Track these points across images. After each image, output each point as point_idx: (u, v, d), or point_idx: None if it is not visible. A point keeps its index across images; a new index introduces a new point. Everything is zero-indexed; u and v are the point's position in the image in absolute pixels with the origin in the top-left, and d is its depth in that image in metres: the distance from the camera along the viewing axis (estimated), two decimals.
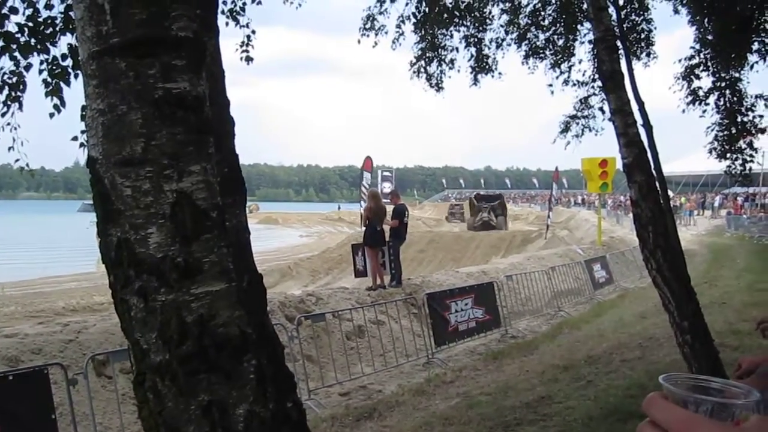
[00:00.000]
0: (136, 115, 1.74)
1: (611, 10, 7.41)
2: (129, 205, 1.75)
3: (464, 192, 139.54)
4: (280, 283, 28.42)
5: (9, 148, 7.08)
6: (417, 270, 29.45)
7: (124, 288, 1.79)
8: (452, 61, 12.54)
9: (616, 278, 21.05)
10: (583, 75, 12.71)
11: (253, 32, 9.00)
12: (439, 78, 12.56)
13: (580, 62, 12.94)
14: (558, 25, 12.52)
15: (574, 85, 12.77)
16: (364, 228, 15.44)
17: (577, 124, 12.71)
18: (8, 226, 59.69)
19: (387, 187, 41.97)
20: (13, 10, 6.41)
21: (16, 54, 6.71)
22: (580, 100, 12.67)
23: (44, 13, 6.81)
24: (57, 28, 6.76)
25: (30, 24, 6.59)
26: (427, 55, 12.39)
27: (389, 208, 15.80)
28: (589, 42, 11.75)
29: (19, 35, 6.53)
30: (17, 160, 7.36)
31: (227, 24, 8.60)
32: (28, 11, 6.61)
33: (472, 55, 12.57)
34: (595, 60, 10.12)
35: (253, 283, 2.24)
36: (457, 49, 12.50)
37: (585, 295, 18.55)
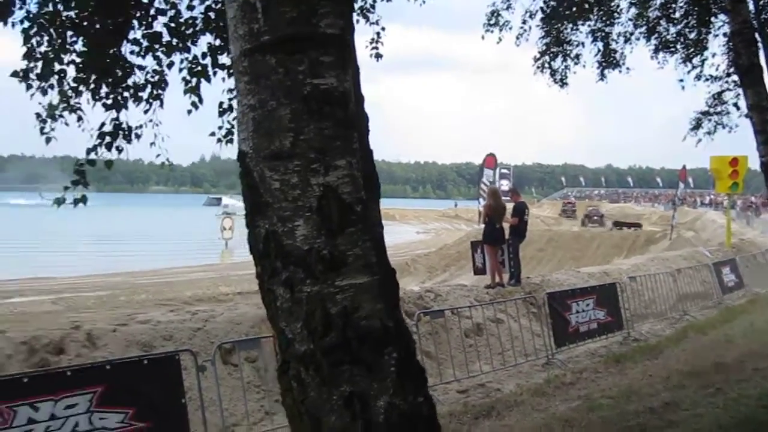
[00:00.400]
0: (285, 110, 1.79)
1: (749, 1, 7.06)
2: (277, 197, 1.80)
3: (584, 191, 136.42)
4: (398, 279, 28.54)
5: (151, 144, 7.46)
6: (536, 269, 29.00)
7: (271, 278, 1.84)
8: (578, 56, 12.26)
9: (746, 282, 20.02)
10: (717, 69, 12.15)
11: (383, 29, 9.12)
12: (563, 73, 12.30)
13: (713, 56, 12.35)
14: (690, 17, 12.02)
15: (707, 80, 12.23)
16: (483, 225, 15.31)
17: (710, 120, 12.18)
18: (139, 217, 62.86)
19: (505, 185, 41.60)
20: (161, 12, 6.74)
21: (159, 54, 7.07)
22: (713, 96, 12.12)
23: (186, 14, 7.15)
24: (197, 29, 7.06)
25: (172, 24, 6.92)
26: (552, 50, 12.16)
27: (509, 206, 15.61)
28: (725, 35, 11.23)
29: (163, 36, 6.89)
30: (158, 155, 7.74)
31: (357, 21, 8.74)
32: (171, 12, 6.94)
33: (599, 50, 12.26)
34: (731, 54, 9.68)
35: (389, 278, 2.27)
36: (583, 44, 12.22)
37: (712, 299, 17.72)
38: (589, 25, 12.08)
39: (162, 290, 19.50)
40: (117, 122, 7.16)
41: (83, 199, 7.03)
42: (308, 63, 1.80)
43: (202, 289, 18.73)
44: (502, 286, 14.38)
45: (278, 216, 1.81)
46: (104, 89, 6.96)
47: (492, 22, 11.77)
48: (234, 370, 8.87)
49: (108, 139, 7.17)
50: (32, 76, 6.91)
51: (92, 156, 7.11)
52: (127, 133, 7.21)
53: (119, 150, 7.30)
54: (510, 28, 11.83)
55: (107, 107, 7.08)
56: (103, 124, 7.13)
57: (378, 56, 9.18)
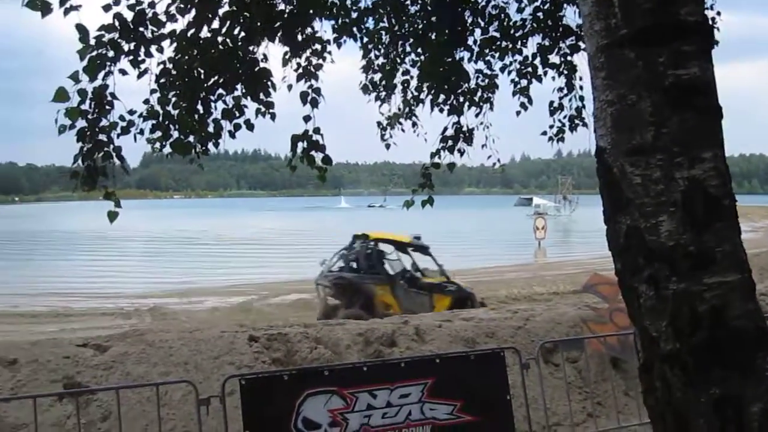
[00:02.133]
0: (645, 103, 1.75)
1: None
2: (638, 193, 1.77)
3: None
4: None
5: (482, 146, 7.76)
6: None
7: (633, 276, 1.81)
8: None
9: None
10: None
11: (718, 14, 8.59)
12: None
13: None
14: None
15: None
16: None
17: None
18: (453, 218, 65.14)
19: None
20: (496, 17, 6.99)
21: (489, 57, 7.34)
22: None
23: (515, 17, 7.34)
24: (526, 30, 7.20)
25: (503, 28, 7.15)
26: None
27: None
28: None
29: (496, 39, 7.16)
30: (489, 157, 8.02)
31: None
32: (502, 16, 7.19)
33: None
34: None
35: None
36: None
37: None
38: None
39: (479, 289, 19.97)
40: (458, 125, 7.54)
41: (430, 201, 7.50)
42: (669, 53, 1.75)
43: (516, 289, 18.93)
44: None
45: (640, 212, 1.77)
46: (442, 96, 7.35)
47: None
48: (555, 370, 8.82)
49: (450, 142, 7.58)
50: (370, 87, 7.56)
51: (436, 159, 7.57)
52: (467, 135, 7.56)
53: (461, 152, 7.67)
54: None
55: (448, 112, 7.50)
56: (445, 129, 7.56)
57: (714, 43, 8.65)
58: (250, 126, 6.59)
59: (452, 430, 6.47)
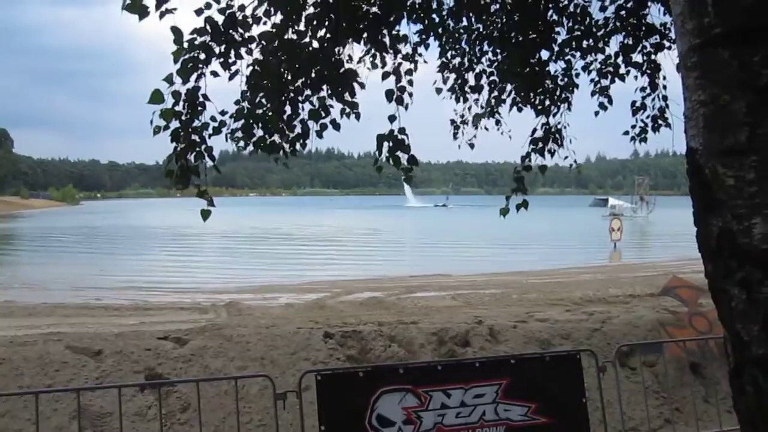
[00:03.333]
0: (740, 104, 1.72)
1: None
2: (731, 195, 1.74)
3: None
4: None
5: (560, 146, 7.72)
6: None
7: (724, 278, 1.78)
8: None
9: None
10: None
11: None
12: None
13: None
14: None
15: None
16: None
17: None
18: (528, 218, 64.41)
19: None
20: (579, 16, 6.92)
21: (570, 57, 7.28)
22: None
23: (598, 16, 7.26)
24: (609, 29, 7.12)
25: (585, 27, 7.07)
26: None
27: None
28: None
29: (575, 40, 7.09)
30: (566, 158, 7.97)
31: None
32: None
33: None
34: None
35: None
36: None
37: None
38: None
39: (553, 290, 19.76)
40: (547, 126, 7.50)
41: (524, 204, 7.48)
42: (764, 53, 1.71)
43: (591, 290, 18.60)
44: None
45: (733, 214, 1.74)
46: (523, 96, 7.33)
47: None
48: (631, 374, 8.70)
49: (540, 144, 7.54)
50: (444, 86, 7.58)
51: (527, 162, 7.54)
52: (556, 136, 7.51)
53: (552, 153, 7.63)
54: None
55: (536, 113, 7.48)
56: (534, 130, 7.54)
57: None
58: (336, 126, 6.69)
59: (527, 431, 6.45)
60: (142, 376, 7.30)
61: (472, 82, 7.54)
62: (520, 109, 7.41)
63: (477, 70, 7.46)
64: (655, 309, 10.17)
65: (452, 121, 7.83)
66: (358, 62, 6.88)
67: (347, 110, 6.60)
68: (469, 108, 7.92)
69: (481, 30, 7.12)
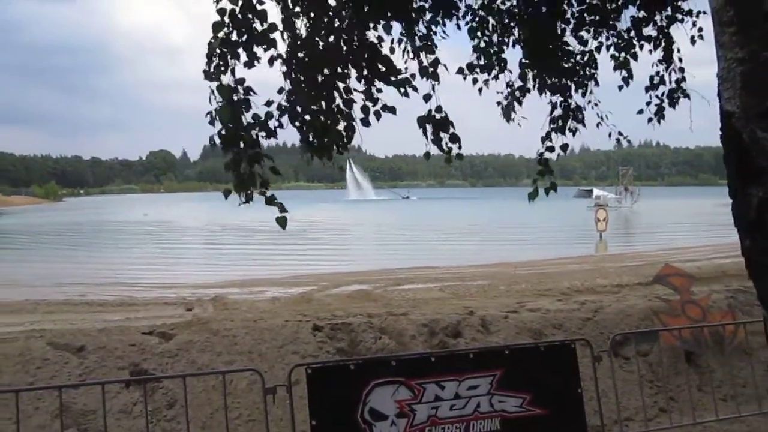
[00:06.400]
0: None
1: None
2: None
3: None
4: None
5: (597, 125, 7.55)
6: None
7: (766, 253, 1.62)
8: None
9: None
10: None
11: None
12: None
13: None
14: None
15: None
16: None
17: None
18: (512, 210, 64.43)
19: None
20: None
21: (582, 34, 7.13)
22: None
23: None
24: (620, 3, 6.98)
25: (595, 2, 6.95)
26: None
27: None
28: None
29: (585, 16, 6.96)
30: (610, 134, 7.73)
31: None
32: None
33: None
34: None
35: None
36: None
37: None
38: None
39: (540, 280, 19.65)
40: (566, 104, 7.33)
41: (553, 187, 7.27)
42: None
43: (579, 281, 18.52)
44: None
45: None
46: (546, 79, 7.19)
47: None
48: (625, 363, 8.62)
49: (560, 122, 7.36)
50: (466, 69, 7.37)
51: (547, 144, 7.35)
52: (577, 114, 7.33)
53: (573, 132, 7.45)
54: None
55: (551, 93, 7.29)
56: (552, 109, 7.36)
57: None
58: (391, 109, 6.29)
59: (522, 422, 6.36)
60: (126, 372, 7.11)
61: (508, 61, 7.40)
62: (542, 93, 7.27)
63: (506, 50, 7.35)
64: (647, 297, 10.08)
65: (499, 103, 7.65)
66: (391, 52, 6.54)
67: (401, 90, 6.17)
68: (510, 86, 7.70)
69: (508, 8, 7.00)
